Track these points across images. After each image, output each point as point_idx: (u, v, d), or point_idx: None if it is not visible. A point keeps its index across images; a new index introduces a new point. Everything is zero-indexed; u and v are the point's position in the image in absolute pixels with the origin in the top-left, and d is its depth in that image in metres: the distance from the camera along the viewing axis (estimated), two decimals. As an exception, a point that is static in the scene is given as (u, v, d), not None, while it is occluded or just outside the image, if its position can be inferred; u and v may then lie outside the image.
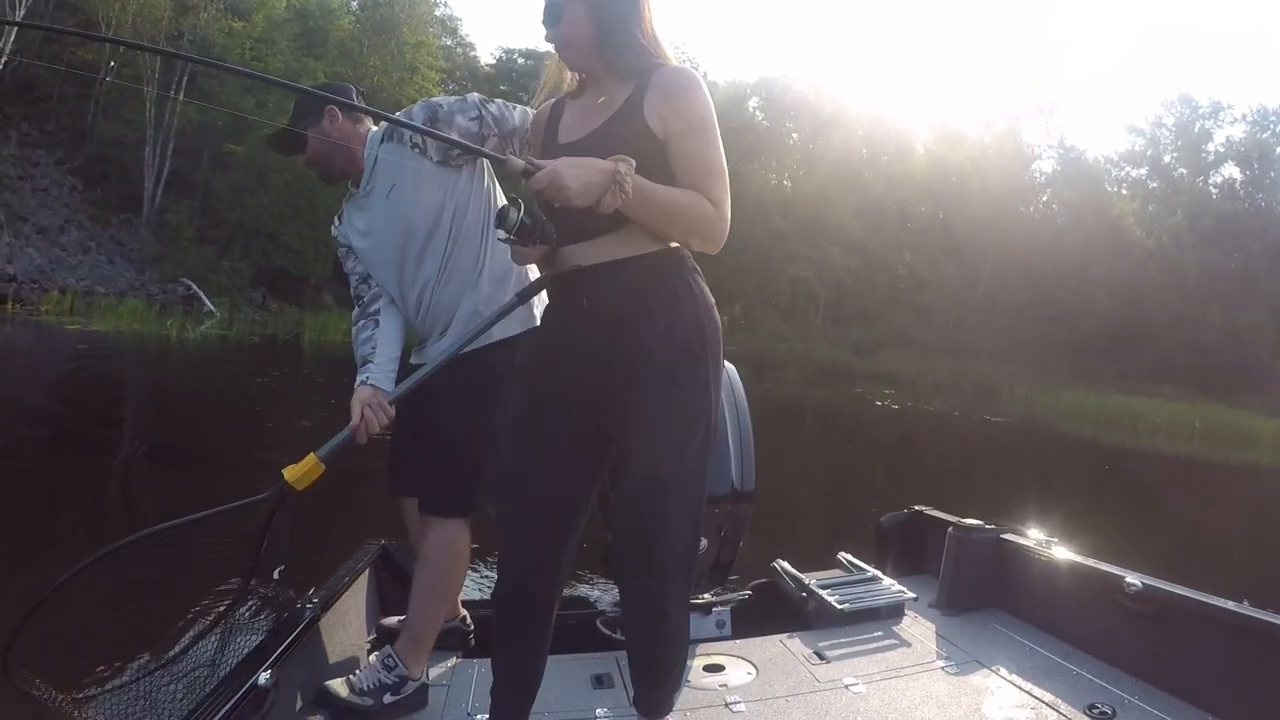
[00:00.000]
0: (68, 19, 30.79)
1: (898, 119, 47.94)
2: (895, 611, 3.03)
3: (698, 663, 2.61)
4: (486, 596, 4.03)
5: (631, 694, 2.28)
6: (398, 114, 2.38)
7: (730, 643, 2.82)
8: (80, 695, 1.91)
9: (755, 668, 2.59)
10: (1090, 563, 2.78)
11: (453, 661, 2.69)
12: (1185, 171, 46.26)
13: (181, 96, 31.54)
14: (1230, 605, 2.27)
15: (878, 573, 3.31)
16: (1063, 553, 2.91)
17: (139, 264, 29.00)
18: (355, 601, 2.76)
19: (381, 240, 2.51)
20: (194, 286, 27.98)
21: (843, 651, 2.72)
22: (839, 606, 2.95)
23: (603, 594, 3.24)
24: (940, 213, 44.08)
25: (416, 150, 2.41)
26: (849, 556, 3.48)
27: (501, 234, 1.79)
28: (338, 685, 2.29)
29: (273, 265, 30.92)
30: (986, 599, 3.07)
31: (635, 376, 1.77)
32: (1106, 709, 2.24)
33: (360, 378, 2.39)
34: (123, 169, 31.10)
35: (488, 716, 2.23)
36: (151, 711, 1.95)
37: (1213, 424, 25.75)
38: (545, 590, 1.93)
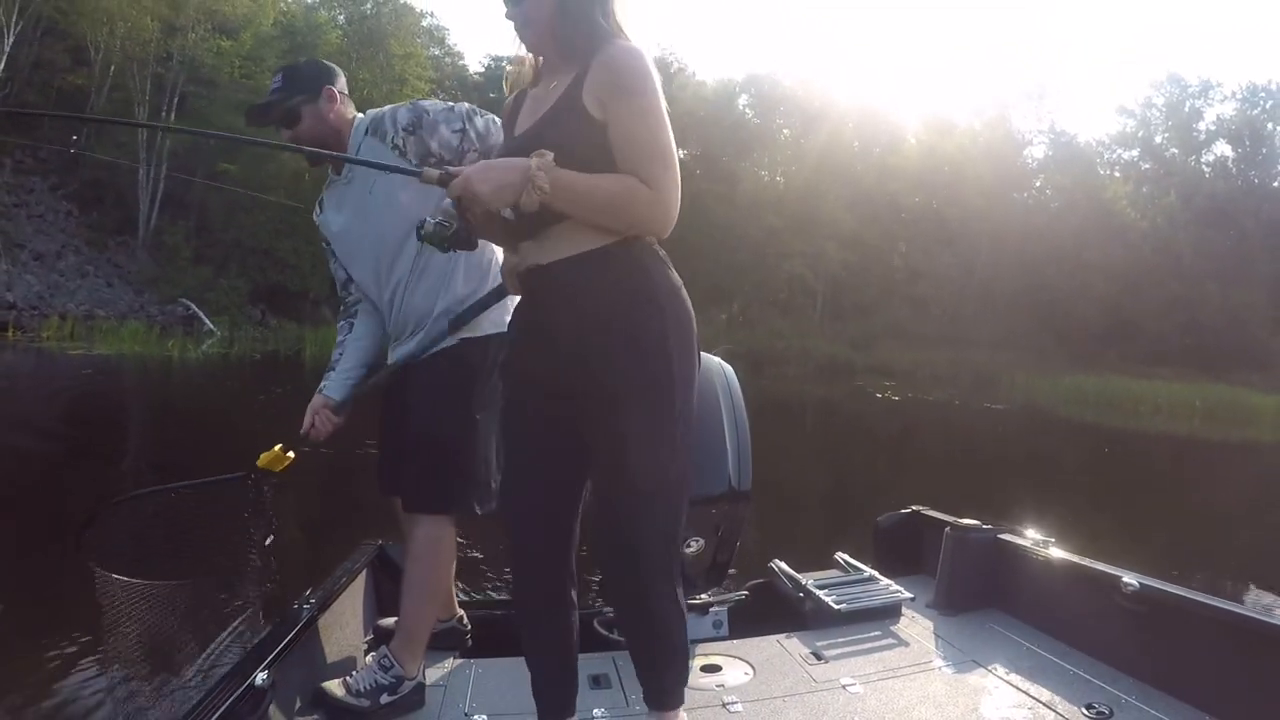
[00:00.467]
0: (57, 45, 30.96)
1: (888, 110, 48.16)
2: (892, 611, 3.00)
3: (695, 663, 2.57)
4: (483, 597, 4.09)
5: (633, 693, 2.31)
6: (385, 109, 2.47)
7: (727, 643, 2.81)
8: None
9: (752, 668, 2.57)
10: (1087, 562, 2.76)
11: (450, 662, 2.68)
12: (1177, 151, 46.33)
13: (173, 118, 31.71)
14: (1227, 605, 2.27)
15: (875, 573, 3.28)
16: (1060, 552, 2.88)
17: (137, 286, 29.03)
18: (352, 602, 2.76)
19: (357, 235, 2.52)
20: (193, 306, 27.99)
21: (840, 651, 2.70)
22: (836, 606, 2.93)
23: (598, 595, 3.23)
24: (933, 203, 44.07)
25: (396, 151, 2.39)
26: (846, 556, 3.46)
27: (418, 237, 1.80)
28: (334, 686, 2.29)
29: (270, 282, 30.93)
30: (984, 599, 3.04)
31: (595, 373, 1.72)
32: (1104, 709, 2.22)
33: (320, 385, 2.59)
34: (117, 192, 31.18)
35: (486, 717, 2.28)
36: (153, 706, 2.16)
37: (1213, 403, 25.73)
38: (555, 584, 1.92)
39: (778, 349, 35.40)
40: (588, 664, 2.41)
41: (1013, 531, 3.14)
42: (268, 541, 2.50)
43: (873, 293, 42.46)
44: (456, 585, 2.88)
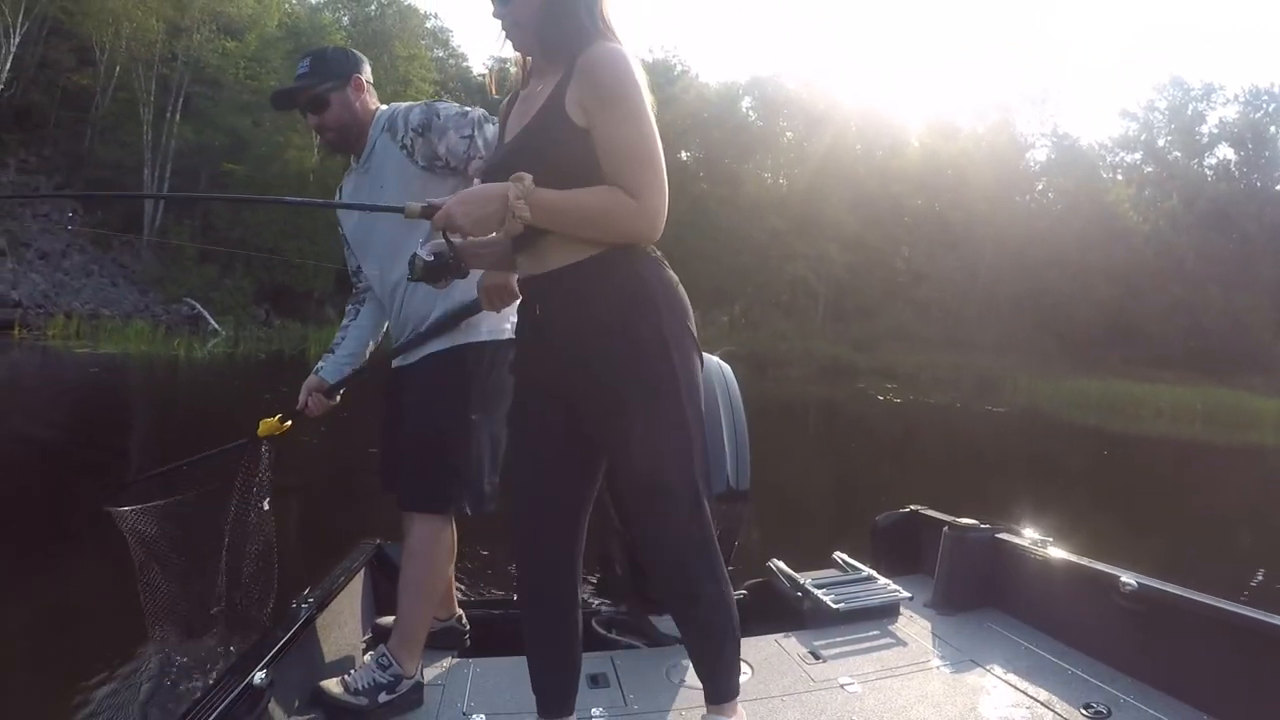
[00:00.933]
0: (62, 44, 31.06)
1: (891, 113, 48.13)
2: (890, 611, 2.99)
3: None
4: (482, 596, 4.06)
5: (632, 693, 2.39)
6: (401, 106, 2.50)
7: None
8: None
9: (750, 667, 2.52)
10: (1085, 562, 2.75)
11: (449, 661, 2.67)
12: (1180, 155, 46.22)
13: (178, 118, 31.81)
14: (1226, 605, 2.26)
15: (873, 572, 3.27)
16: (1058, 552, 2.87)
17: (142, 285, 29.13)
18: (350, 601, 2.76)
19: (366, 228, 2.54)
20: (198, 306, 28.10)
21: (838, 651, 2.69)
22: (834, 606, 2.92)
23: (597, 594, 3.25)
24: (936, 205, 44.08)
25: (405, 152, 2.41)
26: (844, 556, 3.46)
27: (409, 276, 1.81)
28: (333, 685, 2.28)
29: (275, 282, 31.01)
30: (982, 598, 3.03)
31: (598, 375, 1.73)
32: (1102, 708, 2.22)
33: (317, 365, 2.70)
34: (122, 192, 31.21)
35: (485, 716, 2.28)
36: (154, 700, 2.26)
37: (1215, 406, 25.64)
38: (560, 581, 1.93)
39: (780, 351, 35.40)
40: (586, 663, 2.39)
41: (1011, 531, 3.14)
42: (265, 503, 2.65)
43: (875, 295, 42.44)
44: (455, 584, 2.89)
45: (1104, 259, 39.59)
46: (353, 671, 2.34)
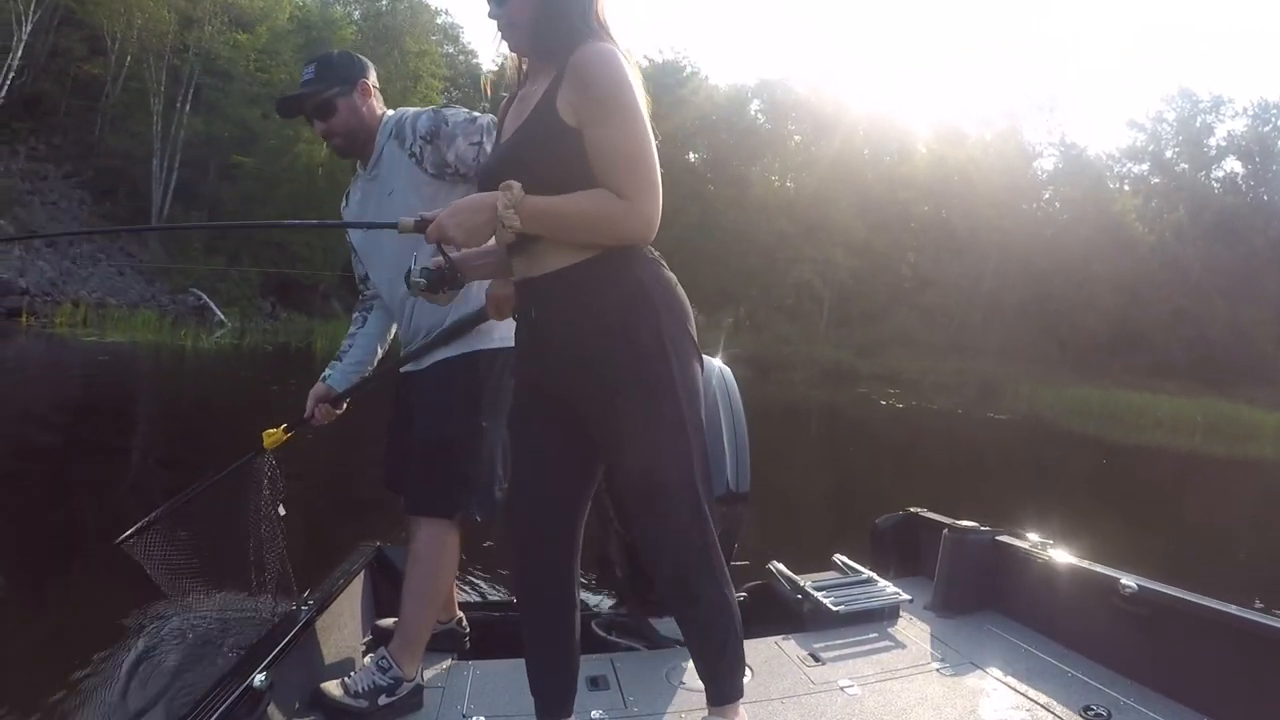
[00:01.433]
0: (73, 34, 31.16)
1: (899, 119, 47.96)
2: (890, 613, 2.99)
3: (691, 664, 2.28)
4: (482, 599, 4.10)
5: (631, 695, 2.40)
6: (408, 112, 2.47)
7: None
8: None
9: (750, 670, 2.49)
10: (1085, 564, 2.75)
11: (448, 663, 2.67)
12: (1187, 166, 46.03)
13: (188, 109, 31.88)
14: (1226, 607, 2.25)
15: (873, 574, 3.26)
16: (1058, 554, 2.87)
17: (149, 275, 29.07)
18: (350, 603, 2.77)
19: (374, 236, 2.52)
20: (204, 297, 28.06)
21: (838, 653, 2.69)
22: (834, 608, 2.92)
23: (597, 596, 3.28)
24: (943, 212, 43.97)
25: (413, 159, 2.40)
26: (844, 558, 3.46)
27: (406, 291, 1.83)
28: (333, 687, 2.28)
29: (282, 274, 31.01)
30: (982, 601, 3.04)
31: (596, 377, 1.73)
32: (1102, 711, 2.22)
33: (324, 373, 2.69)
34: (131, 182, 31.37)
35: (484, 718, 2.29)
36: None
37: (1215, 418, 25.60)
38: (559, 582, 1.93)
39: (784, 354, 35.30)
40: (586, 666, 2.40)
41: (1010, 533, 3.14)
42: (280, 509, 2.65)
43: (880, 300, 42.35)
44: (455, 586, 2.88)
45: (1109, 268, 39.52)
46: (353, 674, 2.35)
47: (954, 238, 42.34)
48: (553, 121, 1.68)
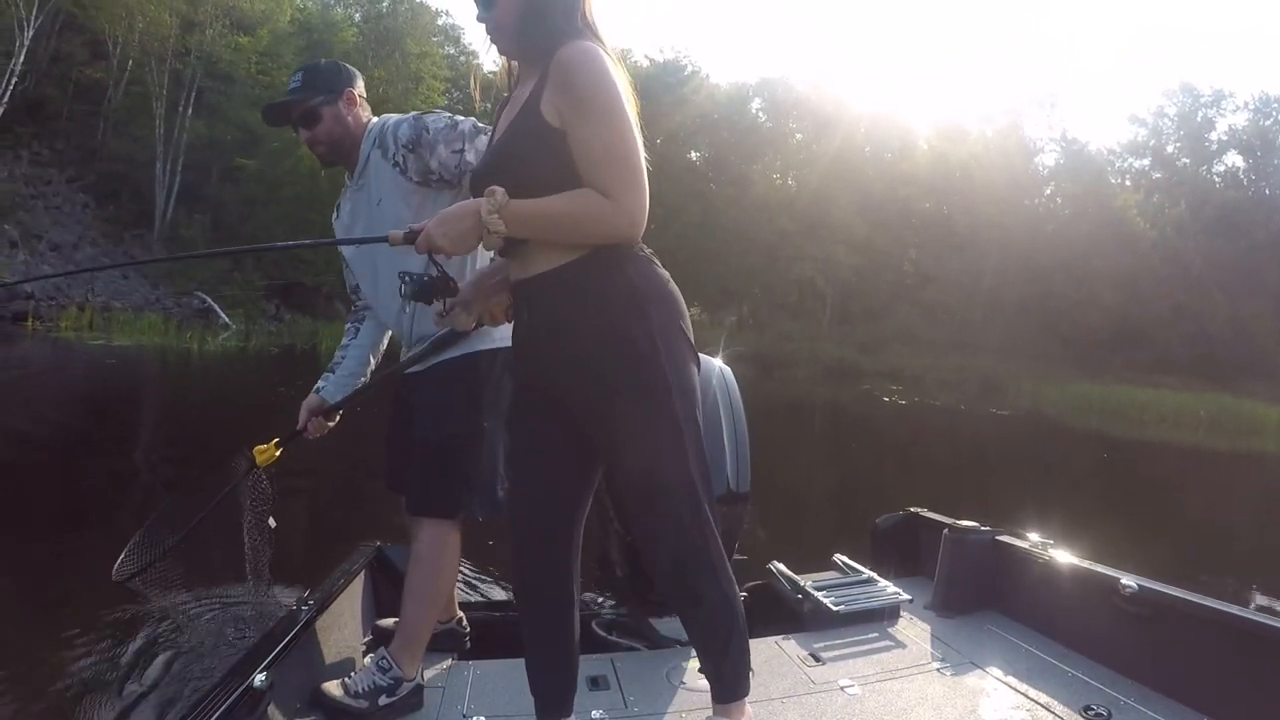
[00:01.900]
0: (75, 38, 31.24)
1: (900, 116, 48.01)
2: (890, 613, 2.98)
3: (692, 664, 2.57)
4: (482, 598, 4.10)
5: (632, 695, 2.41)
6: (390, 120, 2.44)
7: None
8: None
9: (750, 669, 2.50)
10: (1086, 564, 2.75)
11: (448, 663, 2.67)
12: (1188, 161, 45.94)
13: (190, 112, 31.93)
14: (1226, 607, 2.25)
15: (873, 574, 3.26)
16: (1058, 554, 2.86)
17: (153, 279, 29.11)
18: (351, 603, 2.76)
19: (367, 252, 2.52)
20: (208, 300, 28.10)
21: (838, 653, 2.68)
22: (834, 608, 2.91)
23: (597, 596, 3.27)
24: (944, 209, 43.84)
25: (397, 169, 2.38)
26: (844, 558, 3.45)
27: (401, 297, 1.86)
28: (333, 687, 2.28)
29: (286, 277, 31.04)
30: (982, 601, 3.03)
31: (589, 376, 1.73)
32: (1102, 711, 2.22)
33: (317, 385, 2.70)
34: (134, 185, 31.46)
35: (485, 718, 2.29)
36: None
37: (1218, 413, 25.53)
38: (558, 581, 1.93)
39: (787, 351, 35.23)
40: (587, 666, 2.40)
41: (1011, 533, 3.14)
42: (271, 522, 2.69)
43: (882, 297, 42.32)
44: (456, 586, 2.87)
45: (1110, 264, 39.43)
46: (353, 674, 2.35)
47: (955, 234, 42.24)
48: (537, 123, 1.69)
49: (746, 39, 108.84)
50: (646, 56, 44.81)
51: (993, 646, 2.72)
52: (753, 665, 2.47)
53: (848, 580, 3.23)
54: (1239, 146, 45.26)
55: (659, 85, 40.34)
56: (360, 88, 2.55)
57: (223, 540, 2.65)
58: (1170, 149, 46.96)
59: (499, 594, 4.40)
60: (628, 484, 1.80)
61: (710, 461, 1.84)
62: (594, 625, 2.96)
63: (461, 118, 2.41)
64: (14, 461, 6.98)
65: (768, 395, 19.88)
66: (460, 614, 2.84)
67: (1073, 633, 2.67)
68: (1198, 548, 7.72)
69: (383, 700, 2.29)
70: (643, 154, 1.69)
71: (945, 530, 3.17)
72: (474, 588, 4.58)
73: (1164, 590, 2.41)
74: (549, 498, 1.91)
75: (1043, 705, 2.28)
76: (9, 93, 27.62)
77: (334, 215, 2.66)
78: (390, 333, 2.76)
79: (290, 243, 2.43)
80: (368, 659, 2.48)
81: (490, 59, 1.93)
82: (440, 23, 42.56)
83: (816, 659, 2.64)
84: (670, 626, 2.84)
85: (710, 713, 1.91)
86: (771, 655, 2.68)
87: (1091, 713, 2.22)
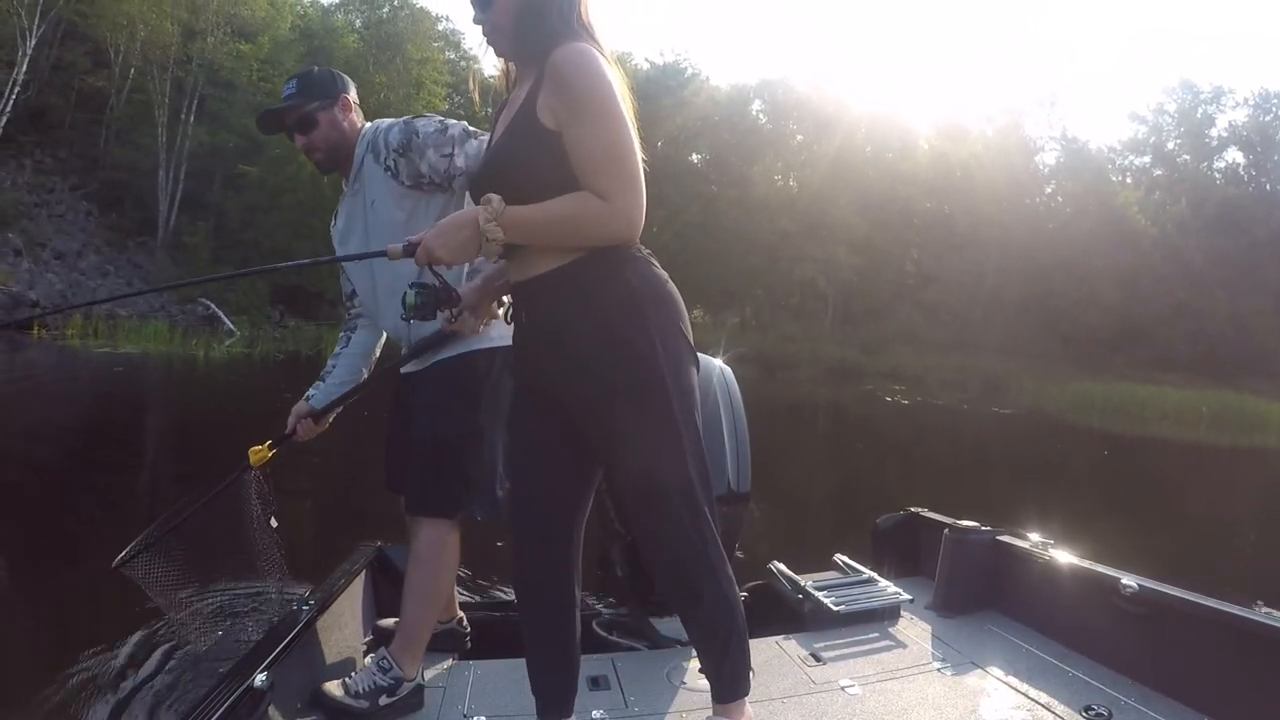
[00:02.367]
0: (77, 47, 31.35)
1: (900, 116, 47.97)
2: (891, 613, 2.97)
3: (692, 664, 2.57)
4: (483, 599, 4.08)
5: (632, 695, 2.42)
6: (382, 125, 2.44)
7: None
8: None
9: (751, 669, 2.49)
10: (1086, 564, 2.74)
11: (449, 663, 2.67)
12: (1189, 158, 45.89)
13: (192, 119, 32.01)
14: (1226, 607, 2.25)
15: (874, 574, 3.25)
16: (1059, 554, 2.85)
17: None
18: (351, 603, 2.76)
19: (356, 250, 2.52)
20: (213, 306, 28.04)
21: (838, 653, 2.68)
22: (835, 608, 2.90)
23: (598, 596, 3.27)
24: (945, 208, 43.80)
25: (389, 173, 2.39)
26: (845, 558, 3.45)
27: (402, 315, 1.84)
28: (333, 687, 2.28)
29: (289, 283, 31.05)
30: (982, 601, 3.02)
31: (586, 377, 1.73)
32: (1103, 710, 2.21)
33: (308, 392, 2.70)
34: (137, 193, 31.54)
35: (485, 718, 2.30)
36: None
37: (1219, 409, 25.55)
38: (558, 581, 1.94)
39: (789, 352, 35.21)
40: (587, 666, 2.39)
41: (1011, 533, 3.13)
42: (272, 522, 2.66)
43: (884, 297, 42.35)
44: (456, 586, 2.86)
45: (1111, 262, 39.38)
46: (353, 674, 2.35)
47: (956, 234, 42.20)
48: (534, 125, 1.69)
49: (746, 41, 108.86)
50: (647, 59, 45.01)
51: (993, 646, 2.73)
52: (753, 665, 2.45)
53: (848, 580, 3.23)
54: (1239, 143, 45.21)
55: (659, 88, 40.43)
56: (354, 94, 2.56)
57: (223, 540, 2.66)
58: (1170, 146, 46.93)
59: (499, 594, 4.39)
60: (627, 485, 1.82)
61: (710, 461, 1.85)
62: (594, 625, 2.96)
63: (452, 122, 2.42)
64: (22, 468, 7.01)
65: (770, 396, 19.94)
66: (460, 614, 2.84)
67: (1073, 633, 2.67)
68: (1200, 545, 7.71)
69: (383, 700, 2.29)
70: (639, 155, 1.69)
71: (946, 530, 3.17)
72: (474, 588, 4.57)
73: (1164, 590, 2.42)
74: (549, 498, 1.92)
75: (1043, 705, 2.29)
76: (12, 102, 27.70)
77: (332, 223, 2.67)
78: (382, 341, 2.78)
79: (292, 263, 2.47)
80: (368, 659, 2.49)
81: (490, 62, 1.96)
82: (441, 28, 42.57)
83: (817, 659, 2.64)
84: (670, 626, 2.85)
85: (710, 713, 1.92)
86: (772, 655, 2.68)
87: (1092, 713, 2.22)
